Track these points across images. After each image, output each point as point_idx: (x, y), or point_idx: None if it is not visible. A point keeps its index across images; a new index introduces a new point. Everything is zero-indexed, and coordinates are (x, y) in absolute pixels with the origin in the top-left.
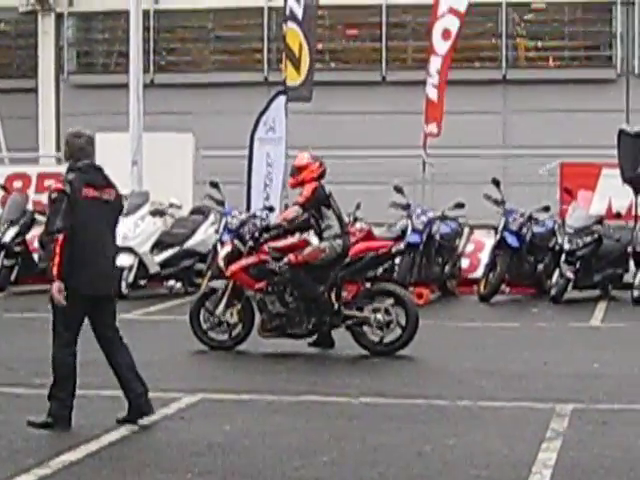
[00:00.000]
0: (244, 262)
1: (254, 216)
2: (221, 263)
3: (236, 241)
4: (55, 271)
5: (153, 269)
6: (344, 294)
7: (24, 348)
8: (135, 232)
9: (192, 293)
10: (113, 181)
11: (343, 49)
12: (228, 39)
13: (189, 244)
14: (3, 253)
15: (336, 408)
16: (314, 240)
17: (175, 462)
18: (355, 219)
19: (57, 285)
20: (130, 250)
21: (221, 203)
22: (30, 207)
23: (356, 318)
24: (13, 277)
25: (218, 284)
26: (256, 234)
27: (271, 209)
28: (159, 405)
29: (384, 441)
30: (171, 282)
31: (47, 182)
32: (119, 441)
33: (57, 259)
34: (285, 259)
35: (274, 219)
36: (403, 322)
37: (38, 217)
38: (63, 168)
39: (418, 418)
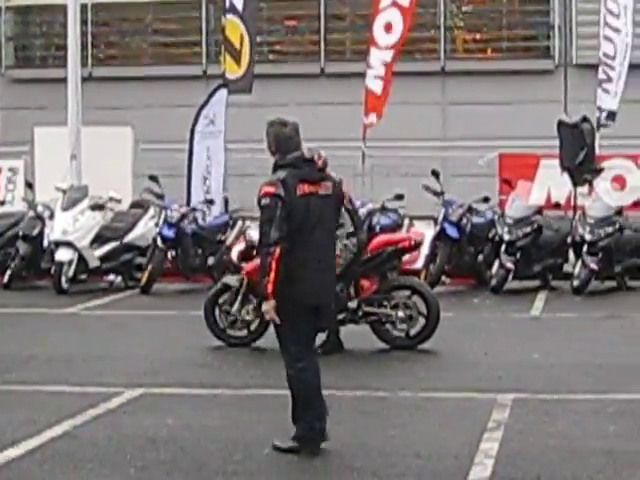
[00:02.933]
0: (258, 262)
1: (194, 209)
2: (235, 260)
3: (249, 237)
4: (269, 289)
5: (93, 263)
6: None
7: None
8: (75, 226)
9: (132, 287)
10: (328, 173)
11: (282, 41)
12: (166, 32)
13: (129, 238)
14: None
15: (277, 401)
16: None
17: (118, 457)
18: None
19: (271, 303)
20: (70, 244)
21: (161, 197)
22: None
23: (378, 315)
24: None
25: (231, 280)
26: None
27: (211, 202)
28: (100, 400)
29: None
30: (111, 276)
31: None
32: (60, 437)
33: (272, 275)
34: None
35: (215, 212)
36: (424, 311)
37: None
38: (1, 162)
39: (360, 409)
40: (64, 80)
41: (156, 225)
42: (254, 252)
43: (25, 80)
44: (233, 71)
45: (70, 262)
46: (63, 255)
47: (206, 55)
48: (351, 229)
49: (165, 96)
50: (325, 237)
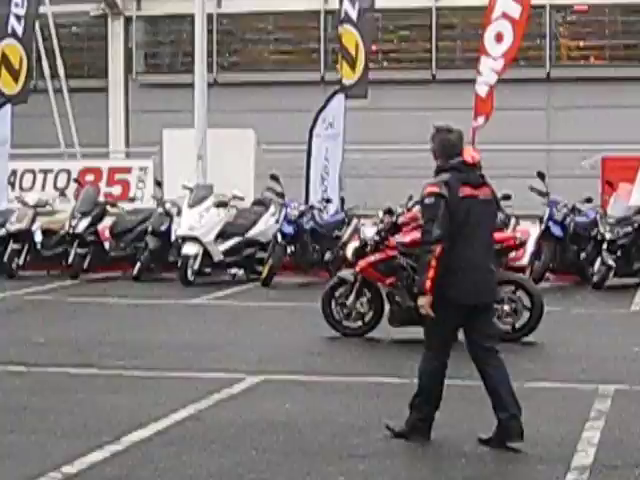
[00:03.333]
0: (372, 258)
1: (312, 207)
2: (349, 257)
3: (362, 235)
4: (428, 285)
5: (217, 257)
6: None
7: (96, 332)
8: (200, 223)
9: (254, 280)
10: (487, 179)
11: (395, 49)
12: (287, 40)
13: (251, 234)
14: (76, 242)
15: (391, 389)
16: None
17: (240, 439)
18: (409, 209)
19: (428, 299)
20: (195, 239)
21: (281, 195)
22: (102, 199)
23: None
24: (86, 265)
25: (347, 275)
26: (382, 231)
27: (328, 200)
28: (224, 385)
29: (438, 420)
30: (234, 270)
31: (117, 176)
32: (186, 420)
33: (432, 273)
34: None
35: (332, 210)
36: (528, 304)
37: (109, 209)
38: (132, 162)
39: (469, 398)
40: (191, 85)
41: (276, 222)
42: (367, 249)
43: (154, 85)
44: (349, 77)
45: (196, 256)
46: (189, 249)
47: (324, 62)
48: None
49: (285, 101)
50: (485, 238)
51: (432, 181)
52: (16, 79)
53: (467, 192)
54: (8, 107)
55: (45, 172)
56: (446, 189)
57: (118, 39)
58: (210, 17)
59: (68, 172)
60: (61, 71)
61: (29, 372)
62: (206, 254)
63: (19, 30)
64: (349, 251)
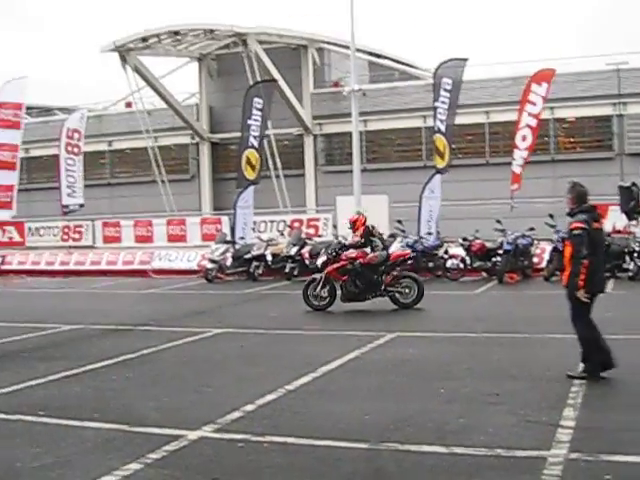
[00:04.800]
0: (335, 266)
1: (421, 237)
2: (319, 266)
3: (327, 254)
4: (581, 284)
5: None
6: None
7: (301, 310)
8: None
9: None
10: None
11: (465, 147)
12: (404, 144)
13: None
14: (290, 260)
15: (469, 339)
16: (368, 251)
17: (384, 369)
18: (476, 238)
19: (583, 292)
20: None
21: (403, 231)
22: (303, 235)
23: (393, 291)
24: (295, 273)
25: (315, 276)
26: (335, 250)
27: (430, 234)
28: (373, 339)
29: (497, 357)
30: None
31: (311, 222)
32: (353, 359)
33: (583, 276)
34: (358, 261)
35: (432, 239)
36: (416, 290)
37: (307, 241)
38: (320, 215)
39: (518, 343)
40: (351, 171)
41: (401, 246)
42: (333, 258)
43: (330, 172)
44: (440, 164)
45: None
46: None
47: (425, 156)
48: (381, 246)
49: (404, 178)
50: (602, 253)
51: (577, 219)
52: (254, 169)
53: (595, 225)
54: (252, 187)
55: (272, 221)
56: (586, 224)
57: (310, 146)
58: (361, 133)
59: (284, 221)
60: (278, 165)
61: (266, 333)
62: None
63: (255, 143)
64: (319, 262)
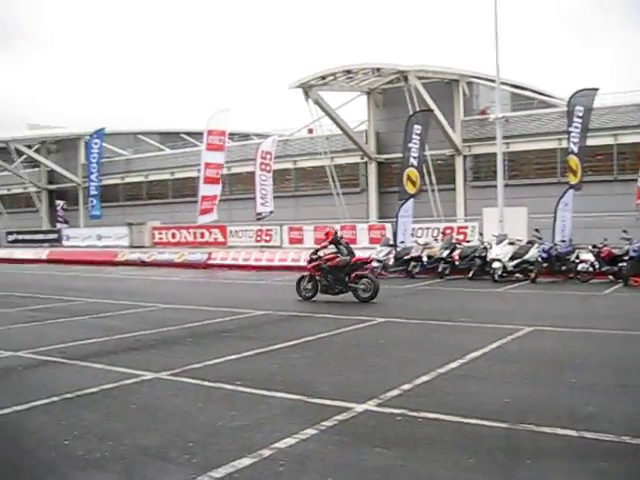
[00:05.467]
0: (314, 264)
1: (555, 244)
2: (307, 265)
3: (312, 257)
4: None
5: (510, 268)
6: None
7: (450, 304)
8: (502, 252)
9: (526, 279)
10: None
11: (593, 165)
12: (541, 162)
13: (526, 257)
14: (442, 262)
15: (599, 335)
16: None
17: (521, 358)
18: (604, 245)
19: None
20: (499, 260)
21: (540, 238)
22: (454, 240)
23: (355, 288)
24: (447, 272)
25: (304, 273)
26: (314, 253)
27: (563, 241)
28: (510, 332)
29: (625, 353)
30: (517, 274)
31: (461, 230)
32: (495, 348)
33: None
34: (327, 263)
35: (565, 245)
36: (372, 288)
37: (457, 245)
38: (468, 223)
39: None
40: (495, 186)
41: (538, 251)
42: (314, 259)
43: (477, 186)
44: (573, 180)
45: (499, 268)
46: (496, 265)
47: (560, 173)
48: (346, 252)
49: (540, 192)
50: None
51: None
52: (414, 184)
53: None
54: (412, 200)
55: (427, 228)
56: None
57: (460, 165)
58: (504, 153)
59: (438, 228)
60: (434, 181)
61: (422, 323)
62: (504, 267)
63: (415, 163)
64: (307, 263)
